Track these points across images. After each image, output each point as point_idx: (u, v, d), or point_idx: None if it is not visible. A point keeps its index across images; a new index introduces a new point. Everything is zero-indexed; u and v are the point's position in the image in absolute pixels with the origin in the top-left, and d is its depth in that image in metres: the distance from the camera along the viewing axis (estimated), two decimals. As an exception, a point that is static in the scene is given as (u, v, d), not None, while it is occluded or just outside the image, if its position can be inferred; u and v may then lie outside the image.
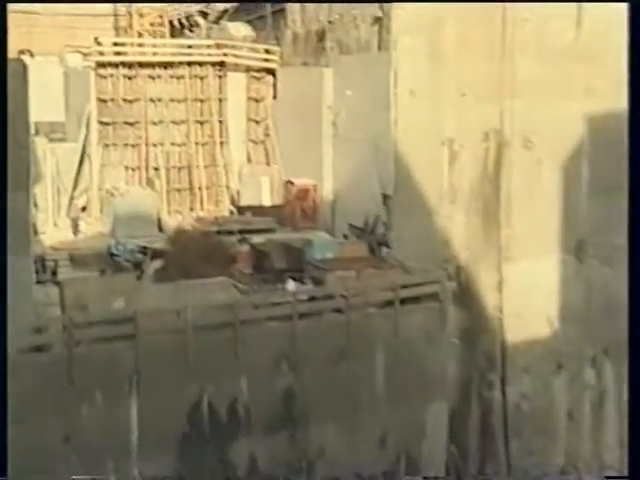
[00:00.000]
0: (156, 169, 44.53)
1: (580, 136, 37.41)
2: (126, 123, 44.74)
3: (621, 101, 37.61)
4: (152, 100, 45.11)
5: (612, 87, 37.18)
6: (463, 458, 35.60)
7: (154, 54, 45.84)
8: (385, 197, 37.92)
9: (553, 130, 36.91)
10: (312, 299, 31.42)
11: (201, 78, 46.02)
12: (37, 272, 31.45)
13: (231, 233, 37.71)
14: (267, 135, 46.32)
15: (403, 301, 32.09)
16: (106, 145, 44.35)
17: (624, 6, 33.07)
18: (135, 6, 55.23)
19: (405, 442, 32.82)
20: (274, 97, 46.56)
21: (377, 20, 41.68)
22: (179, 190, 44.40)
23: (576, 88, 36.70)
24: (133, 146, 44.88)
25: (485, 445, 37.32)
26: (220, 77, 46.24)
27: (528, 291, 37.22)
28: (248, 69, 46.25)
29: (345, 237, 38.39)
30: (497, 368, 37.41)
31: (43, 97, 38.07)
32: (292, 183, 42.27)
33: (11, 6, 24.38)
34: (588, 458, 36.42)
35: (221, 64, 45.99)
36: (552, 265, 37.92)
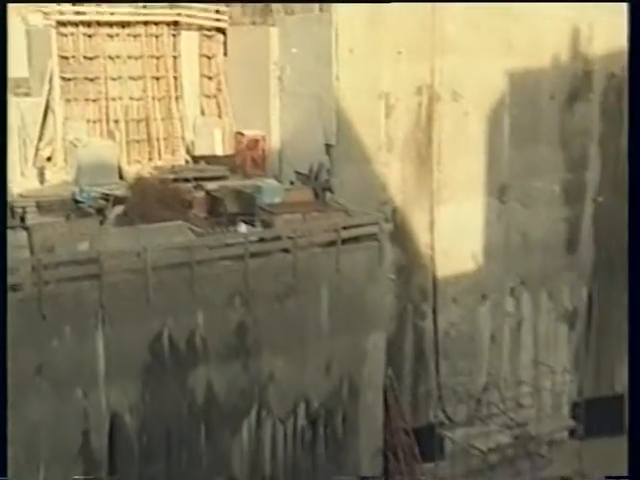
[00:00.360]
0: (116, 122, 44.27)
1: (502, 91, 38.05)
2: (87, 79, 44.27)
3: (539, 59, 38.38)
4: (111, 57, 44.65)
5: (531, 46, 37.82)
6: (399, 380, 36.40)
7: (112, 14, 45.33)
8: (328, 146, 38.12)
9: (478, 85, 37.53)
10: (262, 240, 31.57)
11: (156, 37, 45.60)
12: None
13: (187, 180, 37.65)
14: (219, 90, 46.14)
15: (344, 241, 32.36)
16: (68, 100, 43.93)
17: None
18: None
19: (347, 368, 33.25)
20: (225, 54, 46.30)
21: (319, -17, 41.76)
22: (138, 141, 44.18)
23: (499, 47, 37.20)
24: (94, 100, 44.49)
25: (418, 368, 38.26)
26: (174, 36, 45.84)
27: (456, 231, 38.04)
28: (200, 28, 45.90)
29: (292, 183, 38.55)
30: (429, 300, 38.32)
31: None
32: (242, 134, 42.24)
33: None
34: (507, 376, 37.41)
35: (175, 24, 45.59)
36: (477, 207, 38.76)
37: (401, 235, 36.86)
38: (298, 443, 32.72)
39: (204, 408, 30.12)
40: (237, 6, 45.57)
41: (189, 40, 46.33)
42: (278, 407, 32.09)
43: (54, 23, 43.36)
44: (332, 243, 32.23)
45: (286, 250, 31.47)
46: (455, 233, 37.93)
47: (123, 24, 44.91)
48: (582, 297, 41.82)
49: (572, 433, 33.54)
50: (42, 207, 34.40)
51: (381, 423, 34.64)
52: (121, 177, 39.41)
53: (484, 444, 30.93)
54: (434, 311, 38.34)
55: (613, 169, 41.19)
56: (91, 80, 44.45)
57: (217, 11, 46.32)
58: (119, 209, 33.86)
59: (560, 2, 38.55)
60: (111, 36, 44.77)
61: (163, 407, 28.94)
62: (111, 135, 42.78)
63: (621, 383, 42.69)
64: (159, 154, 43.40)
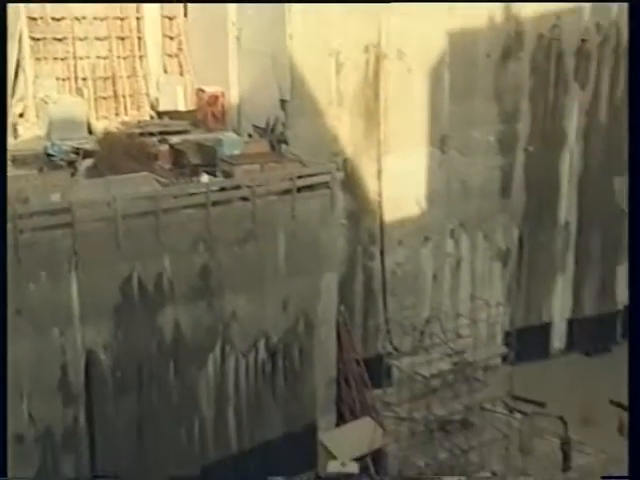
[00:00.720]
0: (84, 80, 43.50)
1: (442, 50, 38.01)
2: (55, 39, 43.35)
3: (476, 21, 38.33)
4: (77, 18, 43.75)
5: (468, 9, 37.72)
6: (350, 315, 36.65)
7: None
8: (283, 102, 37.89)
9: (421, 45, 37.43)
10: (223, 189, 31.48)
11: (120, -1, 44.92)
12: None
13: (152, 135, 37.26)
14: (180, 49, 45.47)
15: (299, 189, 32.45)
16: (38, 59, 43.05)
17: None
18: None
19: (303, 306, 33.54)
20: (185, 15, 45.59)
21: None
22: (105, 98, 43.47)
23: (440, 10, 37.02)
24: (62, 59, 43.60)
25: (368, 304, 38.55)
26: (137, -2, 45.14)
27: (401, 179, 38.19)
28: (162, -9, 45.21)
29: (250, 136, 38.29)
30: (377, 242, 38.52)
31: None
32: (203, 91, 41.72)
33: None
34: (447, 309, 37.83)
35: (138, -13, 44.85)
36: (421, 156, 38.91)
37: (351, 183, 36.90)
38: (259, 375, 33.00)
39: (172, 345, 30.21)
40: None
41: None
42: (240, 343, 32.28)
43: (23, -14, 42.11)
44: (288, 191, 32.26)
45: (245, 198, 31.42)
46: (400, 181, 38.06)
47: (89, -13, 43.72)
48: (514, 238, 42.31)
49: (504, 359, 34.01)
50: (16, 160, 33.74)
51: (334, 355, 35.02)
52: (90, 132, 38.73)
53: (427, 371, 31.18)
54: (382, 252, 38.58)
55: (542, 121, 41.52)
56: (59, 40, 43.41)
57: (177, -25, 45.29)
58: (89, 162, 33.42)
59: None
60: (77, -2, 43.62)
61: (134, 344, 29.01)
62: (79, 92, 41.98)
63: (548, 314, 43.80)
64: (125, 110, 42.76)
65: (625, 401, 37.49)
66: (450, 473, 31.89)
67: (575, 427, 35.88)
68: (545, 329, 43.74)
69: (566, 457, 34.56)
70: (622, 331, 44.55)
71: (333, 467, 31.90)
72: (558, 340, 44.18)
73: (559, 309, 43.98)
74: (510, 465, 33.55)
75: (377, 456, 32.95)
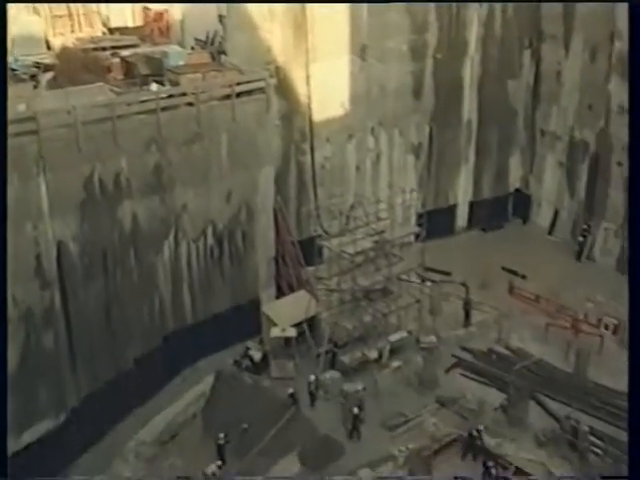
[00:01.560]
0: None
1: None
2: (11, -39, 41.12)
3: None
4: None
5: None
6: (286, 204, 36.71)
7: None
8: (221, 17, 36.97)
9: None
10: (170, 96, 30.76)
11: None
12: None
13: (104, 49, 36.03)
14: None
15: (238, 95, 31.91)
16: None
17: None
18: None
19: (244, 197, 33.48)
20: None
21: None
22: (60, 16, 41.50)
23: None
24: (19, -20, 41.57)
25: (300, 194, 38.55)
26: None
27: (328, 83, 37.72)
28: None
29: (192, 48, 37.38)
30: (307, 140, 38.31)
31: None
32: (149, 8, 40.35)
33: None
34: (369, 196, 37.99)
35: None
36: (344, 64, 38.33)
37: (283, 88, 36.40)
38: (208, 258, 33.13)
39: (131, 234, 29.98)
40: None
41: None
42: (191, 231, 32.25)
43: None
44: (228, 97, 31.71)
45: (190, 104, 30.83)
46: (327, 85, 37.65)
47: None
48: (425, 134, 42.39)
49: (417, 237, 34.56)
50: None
51: (272, 238, 35.27)
52: (48, 48, 37.09)
53: (352, 249, 31.62)
54: (311, 149, 38.41)
55: (447, 32, 41.05)
56: (15, -38, 40.74)
57: None
58: (49, 75, 32.19)
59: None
60: None
61: (98, 235, 28.65)
62: (36, 11, 39.88)
63: (453, 197, 44.44)
64: (79, 27, 40.83)
65: (516, 268, 39.14)
66: (373, 334, 32.84)
67: (474, 291, 37.13)
68: (451, 210, 44.45)
69: (467, 315, 35.86)
70: (512, 211, 45.77)
71: (275, 332, 32.65)
72: (461, 219, 44.92)
73: (462, 193, 44.53)
74: (422, 325, 34.74)
75: (312, 322, 33.66)
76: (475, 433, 27.57)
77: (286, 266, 35.82)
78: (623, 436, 27.07)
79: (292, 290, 35.44)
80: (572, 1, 37.31)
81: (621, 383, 31.14)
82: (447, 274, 39.08)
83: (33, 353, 26.69)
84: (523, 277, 38.82)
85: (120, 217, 29.30)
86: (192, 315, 33.22)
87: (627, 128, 36.97)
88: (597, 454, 26.95)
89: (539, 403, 30.23)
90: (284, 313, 33.51)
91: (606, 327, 34.33)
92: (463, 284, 37.38)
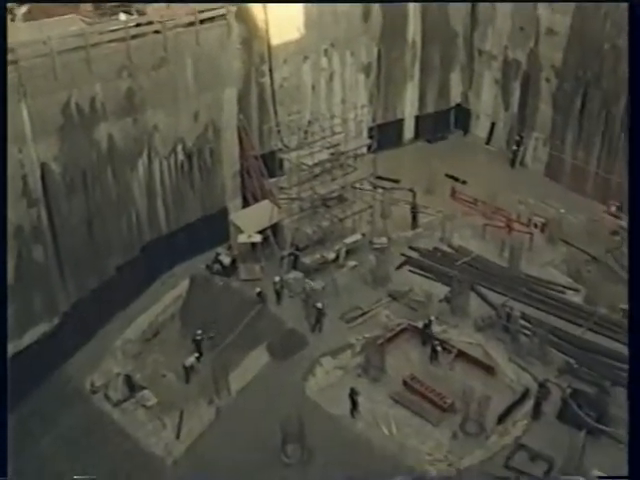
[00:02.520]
0: None
1: None
2: None
3: None
4: None
5: None
6: (248, 121, 36.55)
7: None
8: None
9: None
10: (138, 25, 30.27)
11: None
12: None
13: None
14: None
15: (202, 22, 31.53)
16: None
17: None
18: None
19: (211, 116, 33.42)
20: None
21: None
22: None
23: None
24: None
25: (261, 112, 38.22)
26: None
27: (283, 9, 37.08)
28: None
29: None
30: (266, 62, 37.81)
31: None
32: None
33: None
34: (324, 112, 37.91)
35: None
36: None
37: (243, 15, 35.74)
38: (179, 173, 33.32)
39: (108, 154, 30.02)
40: None
41: None
42: (162, 149, 32.31)
43: None
44: (192, 24, 31.37)
45: (157, 32, 30.49)
46: (283, 11, 37.10)
47: None
48: (374, 54, 42.16)
49: (369, 148, 34.69)
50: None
51: (237, 153, 35.36)
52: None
53: (310, 161, 31.76)
54: (270, 70, 38.06)
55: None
56: None
57: None
58: (24, 8, 31.17)
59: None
60: None
61: (78, 155, 28.63)
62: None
63: (401, 112, 44.56)
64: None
65: (457, 175, 39.94)
66: (331, 237, 33.62)
67: (421, 196, 37.95)
68: (399, 124, 44.60)
69: (414, 218, 36.77)
70: (454, 123, 46.21)
71: (242, 239, 33.25)
72: (408, 132, 45.21)
73: (409, 108, 44.67)
74: (375, 227, 35.57)
75: (275, 228, 34.23)
76: (427, 322, 28.86)
77: (250, 178, 35.98)
78: (549, 319, 28.94)
79: (256, 200, 35.67)
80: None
81: (547, 273, 33.00)
82: (396, 182, 39.59)
83: (26, 266, 27.13)
84: (464, 183, 39.63)
85: (97, 138, 29.30)
86: (166, 226, 33.62)
87: (554, 48, 38.18)
88: (527, 335, 28.54)
89: (478, 294, 31.58)
90: (250, 221, 33.87)
91: (535, 226, 35.68)
92: (411, 190, 38.00)
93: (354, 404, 25.79)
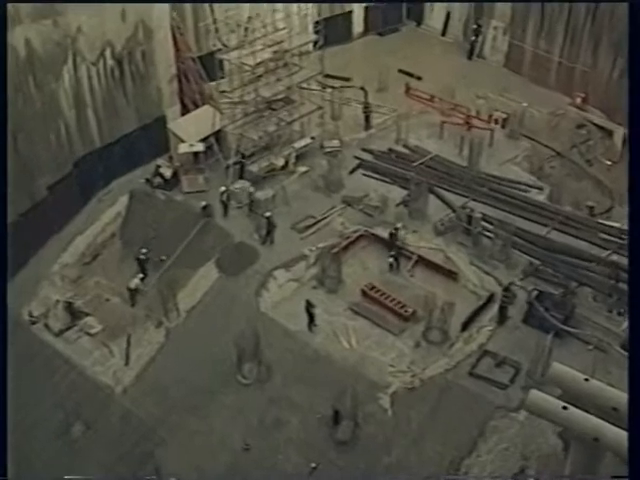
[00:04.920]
0: None
1: None
2: None
3: None
4: None
5: None
6: (182, 20, 34.53)
7: None
8: None
9: None
10: None
11: None
12: None
13: None
14: None
15: None
16: None
17: None
18: None
19: (140, 15, 31.35)
20: None
21: None
22: None
23: None
24: None
25: (197, 9, 35.85)
26: None
27: None
28: None
29: None
30: None
31: None
32: None
33: None
34: (265, 5, 35.93)
35: None
36: None
37: None
38: (110, 79, 31.71)
39: (27, 60, 27.98)
40: None
41: None
42: (89, 53, 30.50)
43: None
44: None
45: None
46: None
47: None
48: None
49: (315, 45, 33.53)
50: None
51: (172, 55, 33.82)
52: None
53: (252, 61, 30.61)
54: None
55: None
56: None
57: None
58: None
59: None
60: None
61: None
62: None
63: (349, 4, 42.92)
64: None
65: (411, 70, 39.04)
66: (279, 142, 32.86)
67: (373, 94, 37.15)
68: (347, 17, 43.15)
69: (367, 119, 36.03)
70: (407, 14, 44.85)
71: (183, 149, 32.24)
72: (357, 25, 43.80)
73: (358, 0, 43.17)
74: (325, 130, 34.78)
75: (218, 135, 33.28)
76: (394, 231, 28.42)
77: (188, 82, 34.70)
78: (512, 220, 28.77)
79: (196, 106, 34.61)
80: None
81: (509, 171, 32.80)
82: (347, 80, 38.67)
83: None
84: (419, 79, 38.89)
85: (13, 44, 27.13)
86: (100, 138, 32.25)
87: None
88: (489, 237, 28.40)
89: (437, 196, 31.28)
90: (190, 129, 32.87)
91: (496, 121, 35.35)
92: (362, 88, 37.21)
93: (311, 317, 25.59)
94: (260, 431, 22.98)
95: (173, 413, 23.82)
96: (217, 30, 34.34)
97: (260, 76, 32.18)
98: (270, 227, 29.17)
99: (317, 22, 35.13)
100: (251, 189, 31.18)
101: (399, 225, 28.75)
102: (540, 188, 31.78)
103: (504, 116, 35.30)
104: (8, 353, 18.69)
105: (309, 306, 25.57)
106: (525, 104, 35.63)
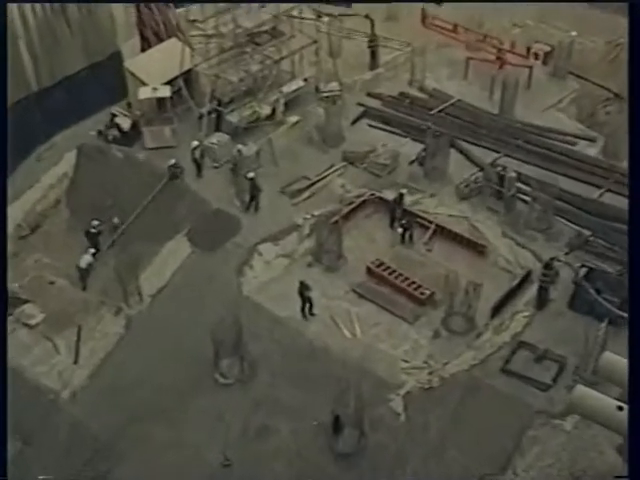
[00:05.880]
0: None
1: None
2: None
3: None
4: None
5: None
6: None
7: None
8: None
9: None
10: None
11: None
12: None
13: None
14: None
15: None
16: None
17: None
18: None
19: None
20: None
21: None
22: None
23: None
24: None
25: None
26: None
27: None
28: None
29: None
30: None
31: None
32: None
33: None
34: None
35: None
36: None
37: None
38: (47, 7, 31.59)
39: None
40: None
41: None
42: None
43: None
44: None
45: None
46: None
47: None
48: None
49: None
50: None
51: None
52: None
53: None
54: None
55: None
56: None
57: None
58: None
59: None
60: None
61: None
62: None
63: None
64: None
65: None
66: (264, 86, 32.91)
67: (381, 24, 37.24)
68: None
69: (374, 55, 36.27)
70: None
71: (144, 93, 32.34)
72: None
73: None
74: (322, 70, 34.95)
75: (188, 77, 33.37)
76: (398, 199, 28.63)
77: (149, 9, 34.80)
78: (552, 178, 28.80)
79: (160, 39, 34.81)
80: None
81: (550, 119, 32.83)
82: (348, 4, 39.02)
83: None
84: (438, 2, 38.80)
85: None
86: (36, 81, 32.45)
87: None
88: (526, 202, 28.54)
89: (461, 151, 31.45)
90: (153, 69, 33.02)
91: (536, 56, 35.54)
92: (367, 17, 37.32)
93: (305, 302, 25.75)
94: (243, 442, 23.01)
95: (135, 422, 23.75)
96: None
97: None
98: (254, 191, 29.26)
99: None
100: (230, 144, 31.26)
101: (404, 190, 28.92)
102: (592, 140, 31.96)
103: (546, 49, 35.42)
104: None
105: (304, 288, 25.67)
106: (574, 33, 35.63)
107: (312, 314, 25.87)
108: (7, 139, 22.71)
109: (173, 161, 30.51)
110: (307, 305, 25.84)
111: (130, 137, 32.41)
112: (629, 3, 23.14)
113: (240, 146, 31.03)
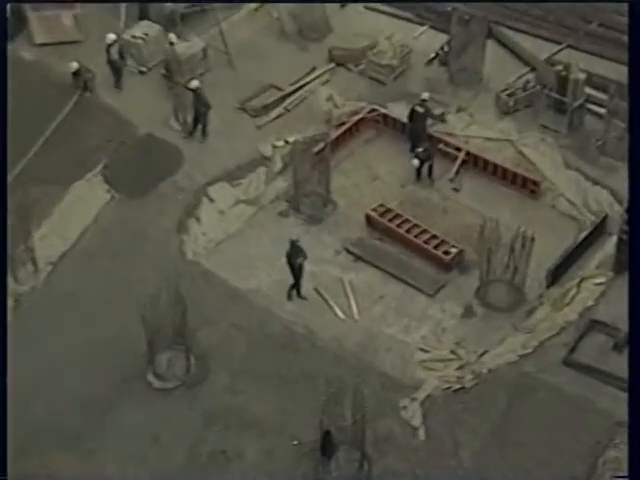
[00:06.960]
0: None
1: None
2: None
3: None
4: None
5: None
6: None
7: None
8: None
9: None
10: None
11: None
12: None
13: None
14: None
15: None
16: None
17: None
18: None
19: None
20: None
21: None
22: None
23: None
24: None
25: None
26: None
27: None
28: None
29: None
30: None
31: None
32: None
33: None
34: None
35: None
36: None
37: None
38: None
39: None
40: None
41: None
42: None
43: None
44: None
45: None
46: None
47: None
48: None
49: None
50: None
51: None
52: None
53: None
54: None
55: None
56: None
57: None
58: None
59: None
60: None
61: None
62: None
63: None
64: None
65: None
66: None
67: None
68: None
69: None
70: None
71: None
72: None
73: None
74: None
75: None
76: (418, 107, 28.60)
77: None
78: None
79: None
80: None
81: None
82: None
83: None
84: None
85: None
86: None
87: None
88: (599, 115, 28.93)
89: (501, 42, 32.15)
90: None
91: None
92: None
93: (297, 276, 25.50)
94: (191, 472, 22.75)
95: (32, 449, 23.28)
96: None
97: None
98: (201, 107, 29.32)
99: None
100: (164, 35, 31.47)
101: (425, 95, 28.92)
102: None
103: None
104: None
105: (295, 253, 25.25)
106: None
107: (300, 296, 25.73)
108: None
109: (77, 65, 30.41)
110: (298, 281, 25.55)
111: (13, 27, 32.27)
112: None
113: (176, 39, 31.09)
